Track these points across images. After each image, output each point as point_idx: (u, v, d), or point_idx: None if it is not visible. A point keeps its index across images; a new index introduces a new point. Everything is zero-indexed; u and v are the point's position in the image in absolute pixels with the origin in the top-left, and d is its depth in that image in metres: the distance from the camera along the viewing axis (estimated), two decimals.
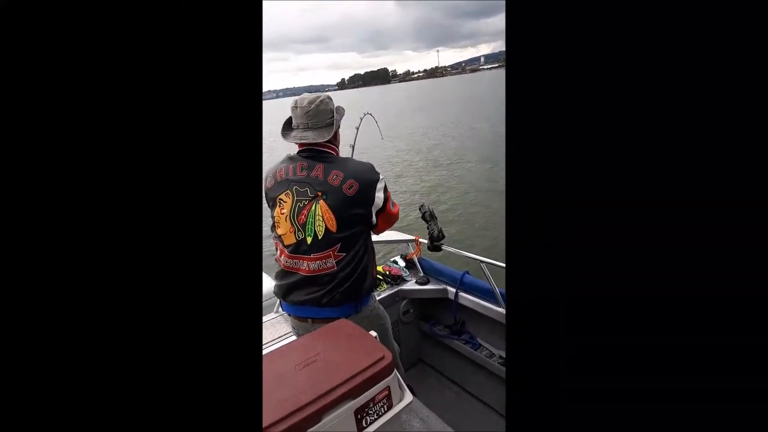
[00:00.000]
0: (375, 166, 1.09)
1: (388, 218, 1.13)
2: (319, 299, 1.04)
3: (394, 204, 1.15)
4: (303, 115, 1.06)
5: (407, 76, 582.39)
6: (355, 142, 1.69)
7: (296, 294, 1.06)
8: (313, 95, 1.07)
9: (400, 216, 1.19)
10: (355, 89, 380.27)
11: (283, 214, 1.06)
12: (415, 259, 1.80)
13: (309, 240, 1.03)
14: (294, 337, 1.22)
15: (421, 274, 1.77)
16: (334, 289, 1.03)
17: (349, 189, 1.02)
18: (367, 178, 1.04)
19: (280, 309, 1.42)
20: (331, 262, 1.04)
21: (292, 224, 1.05)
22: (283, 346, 0.79)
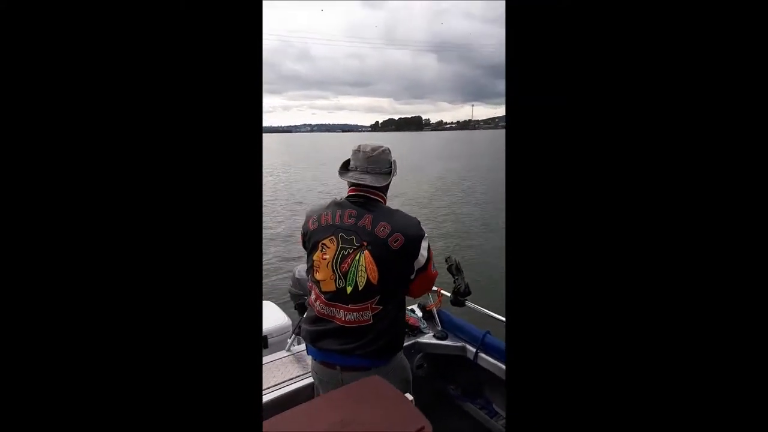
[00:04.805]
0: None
1: (426, 281, 1.16)
2: (352, 351, 1.06)
3: (435, 268, 1.17)
4: (364, 159, 1.13)
5: (439, 126, 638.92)
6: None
7: (328, 342, 1.09)
8: (377, 144, 1.16)
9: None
10: (387, 132, 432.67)
11: (325, 259, 1.09)
12: (434, 311, 1.76)
13: (349, 289, 1.06)
14: (309, 380, 1.26)
15: (439, 327, 1.71)
16: (370, 343, 1.06)
17: (395, 242, 1.05)
18: (413, 233, 1.07)
19: (292, 347, 1.47)
20: (368, 315, 1.06)
21: (333, 271, 1.08)
22: (315, 400, 0.83)
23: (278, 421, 0.72)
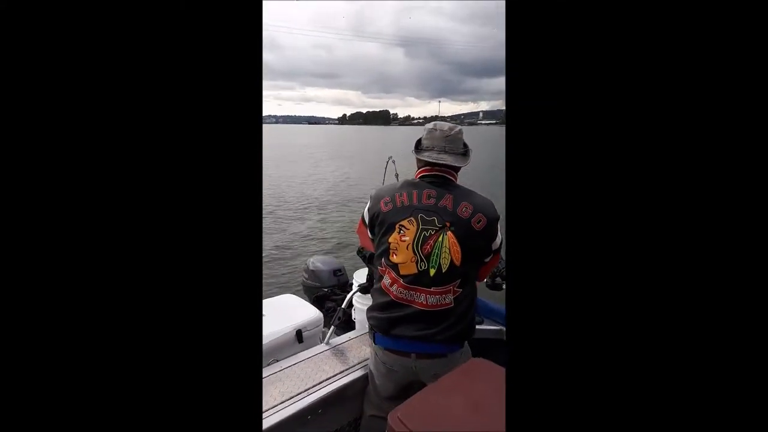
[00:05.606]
0: None
1: (494, 264, 1.13)
2: (432, 336, 1.01)
3: None
4: (442, 139, 1.09)
5: (407, 121, 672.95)
6: (397, 177, 1.76)
7: (404, 328, 1.03)
8: (452, 124, 1.13)
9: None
10: (355, 126, 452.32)
11: (404, 241, 1.03)
12: None
13: (432, 272, 1.01)
14: (360, 371, 1.23)
15: None
16: (451, 327, 1.02)
17: (478, 223, 1.02)
18: (492, 214, 1.04)
19: (330, 340, 1.42)
20: (450, 298, 1.02)
21: (414, 253, 1.02)
22: (431, 386, 0.78)
23: (408, 409, 0.72)
